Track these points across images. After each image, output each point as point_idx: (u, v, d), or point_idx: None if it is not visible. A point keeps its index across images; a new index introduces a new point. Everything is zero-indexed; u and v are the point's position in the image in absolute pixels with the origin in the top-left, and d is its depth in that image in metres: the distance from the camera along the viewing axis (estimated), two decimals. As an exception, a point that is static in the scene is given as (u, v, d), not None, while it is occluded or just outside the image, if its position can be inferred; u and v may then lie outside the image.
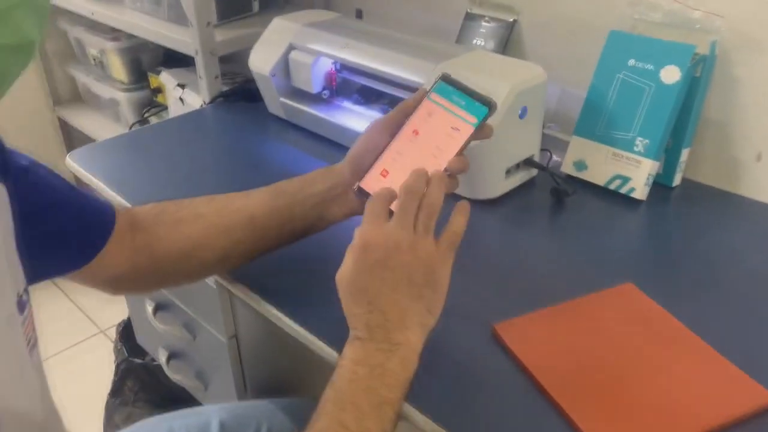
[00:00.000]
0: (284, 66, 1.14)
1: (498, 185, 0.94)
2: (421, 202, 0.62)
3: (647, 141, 0.92)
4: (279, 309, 0.76)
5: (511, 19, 1.11)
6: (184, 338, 1.04)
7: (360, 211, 0.71)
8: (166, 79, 1.48)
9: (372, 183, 0.69)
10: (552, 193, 0.94)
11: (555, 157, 1.02)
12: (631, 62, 0.93)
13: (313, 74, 1.11)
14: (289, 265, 0.81)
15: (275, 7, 1.44)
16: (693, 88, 0.91)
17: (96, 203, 0.70)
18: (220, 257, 0.74)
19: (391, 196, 0.63)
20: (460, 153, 0.66)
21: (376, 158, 0.70)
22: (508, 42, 1.12)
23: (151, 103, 1.70)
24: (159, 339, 1.14)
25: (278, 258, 0.77)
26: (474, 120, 0.66)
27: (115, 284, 0.74)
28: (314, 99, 1.14)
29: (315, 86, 1.12)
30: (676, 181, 0.97)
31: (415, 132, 0.69)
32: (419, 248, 0.61)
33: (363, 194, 0.69)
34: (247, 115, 1.24)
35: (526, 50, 1.12)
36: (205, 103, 1.30)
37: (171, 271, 0.74)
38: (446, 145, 0.67)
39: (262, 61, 1.15)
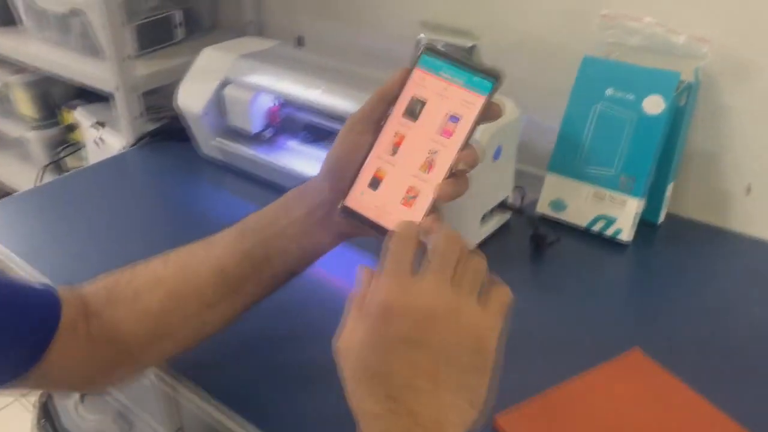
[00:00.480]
0: (218, 103, 1.01)
1: (474, 235, 0.84)
2: (461, 252, 0.48)
3: (632, 178, 0.83)
4: (230, 408, 0.63)
5: (470, 45, 1.01)
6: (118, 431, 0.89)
7: (351, 234, 0.59)
8: (81, 116, 1.32)
9: (360, 199, 0.56)
10: (531, 240, 0.84)
11: (529, 194, 0.93)
12: (609, 91, 0.85)
13: (252, 112, 0.98)
14: (244, 347, 0.68)
15: (201, 33, 1.30)
16: (678, 118, 0.83)
17: (33, 293, 0.56)
18: (196, 327, 0.60)
19: (416, 234, 0.49)
20: (467, 143, 0.53)
21: (361, 165, 0.56)
22: (466, 69, 1.02)
23: (66, 141, 1.53)
24: (88, 428, 0.98)
25: (230, 338, 0.64)
26: (478, 98, 0.53)
27: (80, 384, 0.62)
28: (254, 139, 1.01)
29: (255, 125, 0.99)
30: (662, 217, 0.89)
31: (405, 124, 0.55)
32: (463, 315, 0.46)
33: (350, 215, 0.56)
34: (178, 158, 1.10)
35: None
36: (128, 145, 1.15)
37: (141, 355, 0.60)
38: (450, 133, 0.54)
39: (191, 98, 1.02)
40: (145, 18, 1.19)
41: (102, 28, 1.05)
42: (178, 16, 1.24)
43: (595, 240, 0.86)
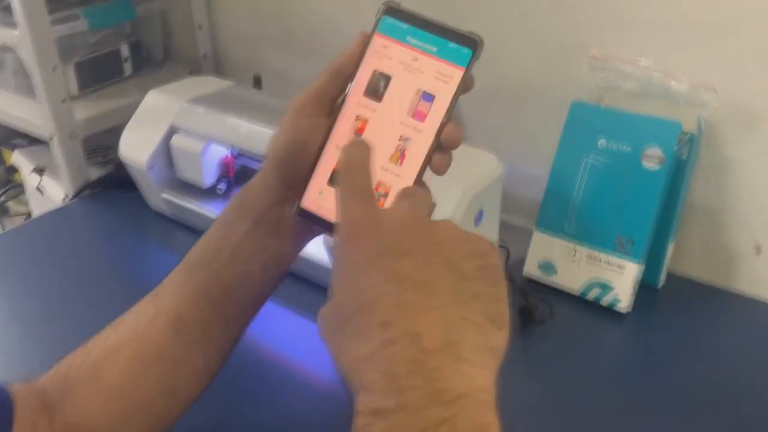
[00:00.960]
0: (165, 153, 0.90)
1: (453, 309, 0.74)
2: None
3: (630, 240, 0.74)
4: None
5: (444, 84, 0.92)
6: None
7: (314, 235, 0.52)
8: (20, 161, 1.20)
9: (318, 199, 0.46)
10: (520, 313, 0.75)
11: (514, 250, 0.83)
12: (602, 141, 0.76)
13: (204, 164, 0.88)
14: None
15: (152, 68, 1.19)
16: (679, 172, 0.74)
17: None
18: (168, 394, 0.50)
19: (369, 161, 0.41)
20: (447, 119, 0.44)
21: (316, 157, 0.46)
22: (441, 110, 0.93)
23: (7, 183, 1.40)
24: None
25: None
26: (456, 71, 0.44)
27: None
28: (207, 194, 0.90)
29: (207, 179, 0.89)
30: (662, 279, 0.79)
31: (368, 105, 0.46)
32: (449, 224, 0.39)
33: (308, 218, 0.47)
34: (125, 211, 0.99)
35: (463, 121, 0.92)
36: (67, 197, 1.03)
37: None
38: (423, 115, 0.45)
39: (135, 148, 0.91)
40: (87, 54, 1.08)
41: (33, 69, 0.93)
42: (125, 50, 1.13)
43: (591, 309, 0.77)
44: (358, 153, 0.41)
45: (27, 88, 1.06)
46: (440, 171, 0.46)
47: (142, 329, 0.50)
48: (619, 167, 0.75)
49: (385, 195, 0.45)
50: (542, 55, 0.84)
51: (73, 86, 1.07)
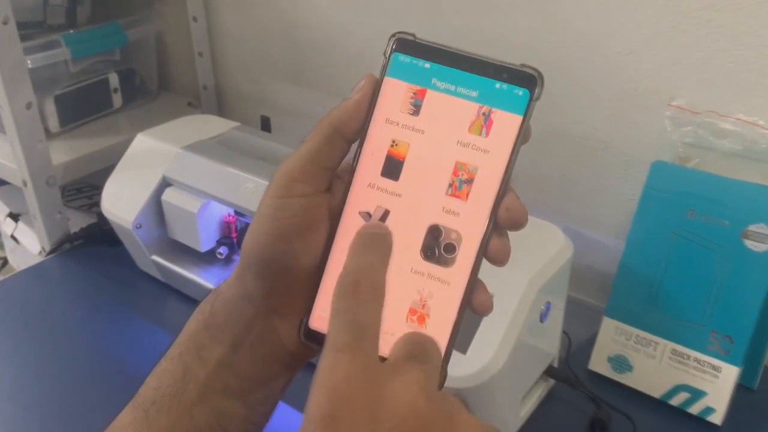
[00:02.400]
0: (156, 210, 0.76)
1: (511, 420, 0.59)
2: None
3: (728, 337, 0.60)
4: None
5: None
6: None
7: (313, 354, 0.36)
8: (-8, 203, 1.06)
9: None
10: (590, 428, 0.60)
11: (576, 335, 0.69)
12: (691, 213, 0.61)
13: (201, 225, 0.73)
14: None
15: (146, 99, 1.05)
16: (789, 254, 0.60)
17: None
18: None
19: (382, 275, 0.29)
20: (504, 190, 0.31)
21: (324, 255, 0.33)
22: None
23: (-15, 221, 1.26)
24: None
25: None
26: (509, 117, 0.31)
27: None
28: (205, 258, 0.76)
29: (205, 242, 0.74)
30: (758, 381, 0.65)
31: (386, 187, 0.33)
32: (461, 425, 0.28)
33: (318, 341, 0.33)
34: (107, 270, 0.84)
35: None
36: (44, 251, 0.89)
37: None
38: (466, 190, 0.32)
39: (120, 204, 0.77)
40: (70, 85, 0.94)
41: (2, 105, 0.79)
42: (114, 79, 0.99)
43: (675, 414, 0.62)
44: (377, 266, 0.29)
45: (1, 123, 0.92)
46: (502, 260, 0.33)
47: None
48: (714, 245, 0.60)
49: (424, 306, 0.32)
50: (613, 101, 0.70)
51: (54, 122, 0.93)
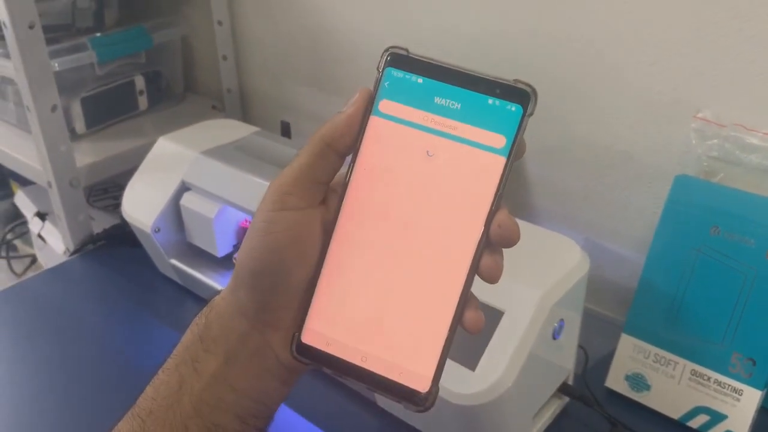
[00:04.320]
0: (175, 214, 0.76)
1: (520, 439, 0.58)
2: None
3: (751, 360, 0.58)
4: None
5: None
6: None
7: (306, 368, 0.36)
8: (22, 202, 1.08)
9: (323, 330, 0.33)
10: (607, 448, 0.59)
11: (593, 350, 0.67)
12: (715, 230, 0.59)
13: (218, 230, 0.74)
14: None
15: (172, 102, 1.06)
16: (817, 274, 0.58)
17: None
18: None
19: None
20: (497, 206, 0.31)
21: (316, 270, 0.33)
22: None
23: (16, 218, 1.29)
24: None
25: None
26: (498, 139, 0.31)
27: None
28: (223, 263, 0.76)
29: (221, 247, 0.75)
30: (783, 402, 0.63)
31: (376, 195, 0.32)
32: None
33: (312, 357, 0.33)
34: (128, 272, 0.85)
35: (529, 181, 0.77)
36: (68, 251, 0.90)
37: None
38: (461, 205, 0.31)
39: (140, 207, 0.77)
40: (96, 87, 0.95)
41: (29, 108, 0.81)
42: (139, 82, 1.00)
43: (693, 438, 0.61)
44: None
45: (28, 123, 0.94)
46: (494, 278, 0.32)
47: None
48: (738, 264, 0.58)
49: (416, 327, 0.32)
50: (637, 112, 0.68)
51: (80, 123, 0.94)
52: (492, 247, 0.32)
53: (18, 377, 0.71)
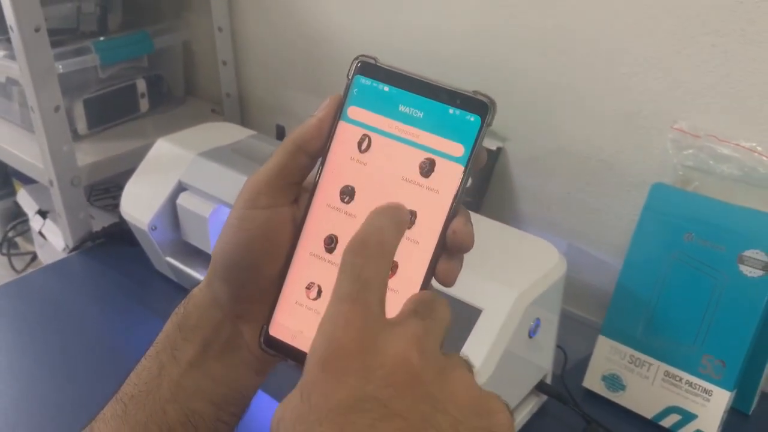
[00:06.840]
0: (171, 213, 0.79)
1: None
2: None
3: (721, 361, 0.60)
4: None
5: (495, 147, 0.79)
6: None
7: (278, 360, 0.37)
8: (24, 200, 1.10)
9: (290, 322, 0.34)
10: (582, 444, 0.61)
11: (573, 350, 0.70)
12: (689, 236, 0.62)
13: (212, 229, 0.76)
14: None
15: (172, 105, 1.08)
16: (785, 280, 0.60)
17: None
18: None
19: (395, 245, 0.30)
20: (454, 213, 0.32)
21: (284, 267, 0.35)
22: (492, 175, 0.80)
23: (17, 216, 1.31)
24: None
25: None
26: (457, 148, 0.32)
27: None
28: (215, 261, 0.79)
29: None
30: (754, 404, 0.65)
31: (341, 207, 0.34)
32: (458, 377, 0.29)
33: (279, 349, 0.35)
34: (126, 269, 0.88)
35: (515, 187, 0.79)
36: (67, 247, 0.93)
37: None
38: (419, 210, 0.33)
39: (138, 205, 0.80)
40: (99, 89, 0.98)
41: (33, 108, 0.83)
42: (141, 85, 1.03)
43: (665, 436, 0.63)
44: (387, 230, 0.29)
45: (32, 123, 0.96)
46: (448, 281, 0.33)
47: None
48: (710, 270, 0.61)
49: None
50: (617, 121, 0.70)
51: (82, 124, 0.97)
52: (449, 252, 0.33)
53: (17, 369, 0.73)
